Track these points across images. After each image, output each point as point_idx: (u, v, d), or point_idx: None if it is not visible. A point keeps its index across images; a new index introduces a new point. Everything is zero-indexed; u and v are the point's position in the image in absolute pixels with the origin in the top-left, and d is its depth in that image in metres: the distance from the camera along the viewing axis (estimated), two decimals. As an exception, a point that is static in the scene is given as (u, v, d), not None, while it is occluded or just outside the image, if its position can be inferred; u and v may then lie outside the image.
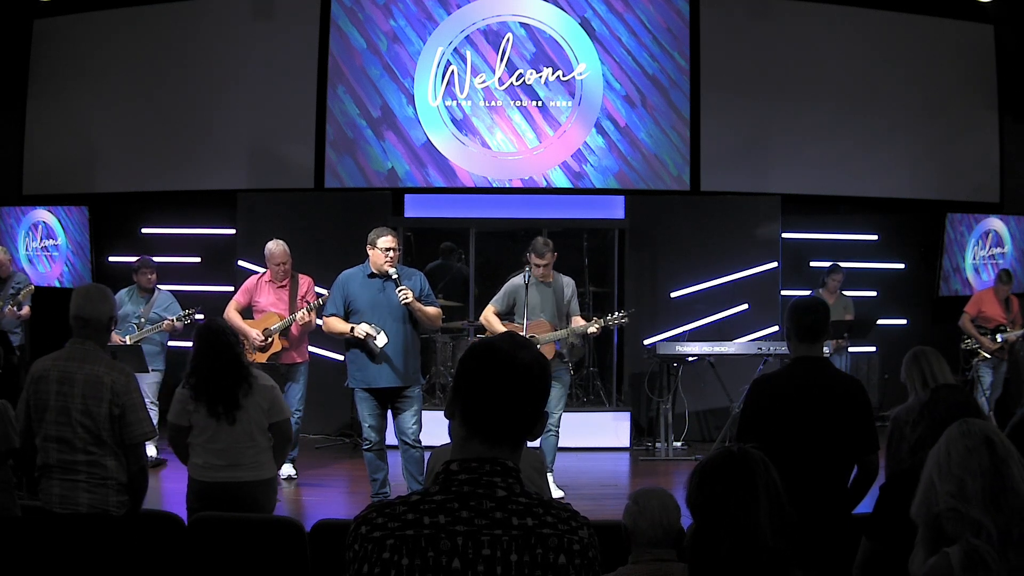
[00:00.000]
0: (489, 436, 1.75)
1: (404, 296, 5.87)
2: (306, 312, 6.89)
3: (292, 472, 7.22)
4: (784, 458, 3.46)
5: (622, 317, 6.97)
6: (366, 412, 6.01)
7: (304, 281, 7.27)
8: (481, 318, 7.01)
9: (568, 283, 6.89)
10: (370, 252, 6.00)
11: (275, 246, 7.19)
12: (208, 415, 4.30)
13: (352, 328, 5.89)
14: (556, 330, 6.70)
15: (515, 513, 1.69)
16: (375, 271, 5.99)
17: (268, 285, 7.19)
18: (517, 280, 6.81)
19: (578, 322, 6.83)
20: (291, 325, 6.99)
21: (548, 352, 6.64)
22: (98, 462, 3.69)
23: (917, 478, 2.97)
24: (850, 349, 9.01)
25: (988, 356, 8.65)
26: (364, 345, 5.93)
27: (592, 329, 6.74)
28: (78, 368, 3.69)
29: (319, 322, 6.62)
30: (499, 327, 6.69)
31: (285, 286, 7.18)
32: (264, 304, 7.13)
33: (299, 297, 7.14)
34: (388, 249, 5.92)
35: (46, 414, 3.70)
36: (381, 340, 5.87)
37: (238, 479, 4.31)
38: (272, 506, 4.51)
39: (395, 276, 5.92)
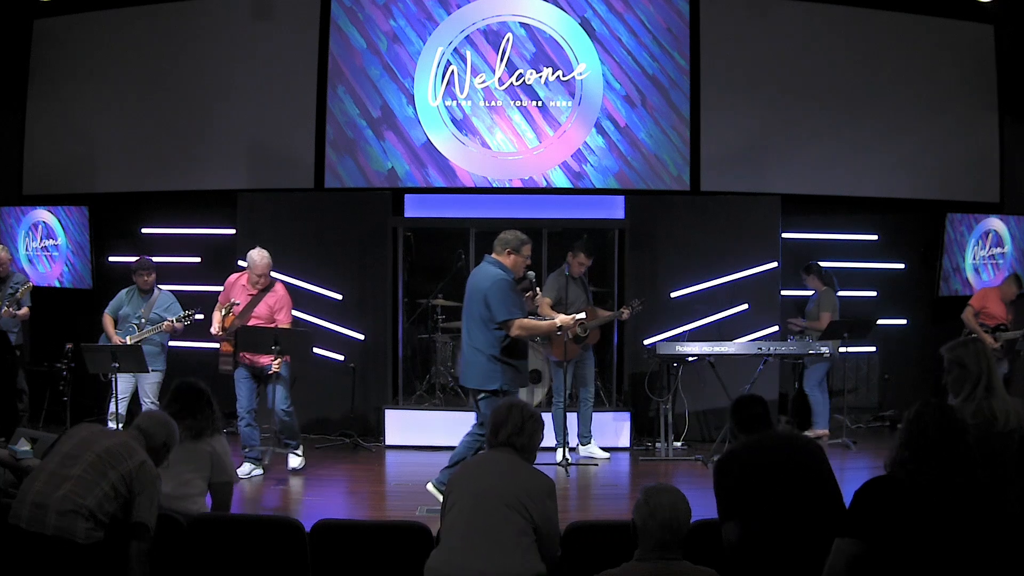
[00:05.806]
0: None
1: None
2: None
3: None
4: (774, 528, 3.58)
5: (640, 304, 8.21)
6: None
7: (274, 294, 7.29)
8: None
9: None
10: (512, 258, 6.10)
11: (259, 257, 7.23)
12: None
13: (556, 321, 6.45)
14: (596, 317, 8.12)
15: None
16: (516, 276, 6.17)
17: (242, 288, 7.30)
18: (559, 277, 8.04)
19: (603, 312, 8.23)
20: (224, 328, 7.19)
21: (597, 335, 8.20)
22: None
23: (896, 481, 3.03)
24: (850, 349, 8.98)
25: (988, 354, 8.62)
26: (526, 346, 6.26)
27: (624, 315, 8.16)
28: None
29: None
30: (552, 314, 7.40)
31: (254, 294, 7.27)
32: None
33: (266, 306, 7.27)
34: (528, 256, 6.22)
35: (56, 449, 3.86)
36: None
37: None
38: None
39: (533, 277, 6.32)
